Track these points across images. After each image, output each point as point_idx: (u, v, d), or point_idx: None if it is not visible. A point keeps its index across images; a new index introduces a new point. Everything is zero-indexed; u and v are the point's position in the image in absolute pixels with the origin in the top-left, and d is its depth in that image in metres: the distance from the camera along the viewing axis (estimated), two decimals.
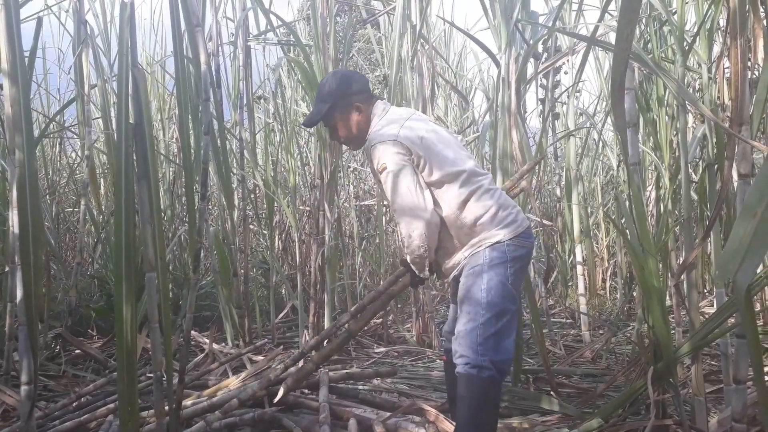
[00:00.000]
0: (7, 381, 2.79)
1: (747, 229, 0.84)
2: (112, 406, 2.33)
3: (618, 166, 5.06)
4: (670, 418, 2.11)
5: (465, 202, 2.04)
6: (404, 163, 2.03)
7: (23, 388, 1.91)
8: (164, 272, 1.71)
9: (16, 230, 1.92)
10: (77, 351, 3.49)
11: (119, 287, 1.57)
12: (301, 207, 5.25)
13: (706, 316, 4.29)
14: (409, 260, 2.13)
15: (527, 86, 3.52)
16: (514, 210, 2.11)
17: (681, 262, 2.19)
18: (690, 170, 4.03)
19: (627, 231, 1.99)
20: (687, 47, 2.16)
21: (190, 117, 2.23)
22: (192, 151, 2.38)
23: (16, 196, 1.90)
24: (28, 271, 1.85)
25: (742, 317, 1.33)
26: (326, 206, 3.61)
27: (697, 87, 4.50)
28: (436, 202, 2.07)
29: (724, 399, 2.17)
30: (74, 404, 2.49)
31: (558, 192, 5.03)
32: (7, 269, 2.70)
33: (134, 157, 1.64)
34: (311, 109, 2.24)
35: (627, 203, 3.08)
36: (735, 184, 1.92)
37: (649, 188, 4.59)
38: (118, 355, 1.59)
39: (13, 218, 2.14)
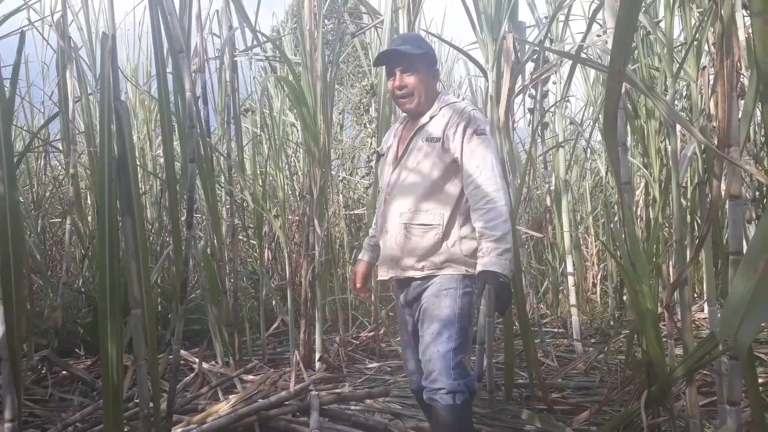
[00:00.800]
0: None
1: (748, 284, 0.82)
2: None
3: (606, 173, 5.07)
4: None
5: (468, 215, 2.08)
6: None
7: (7, 426, 1.86)
8: (150, 309, 1.67)
9: None
10: (64, 372, 3.43)
11: (104, 325, 1.53)
12: (290, 217, 5.22)
13: (697, 323, 4.32)
14: (504, 247, 1.96)
15: (516, 97, 3.52)
16: None
17: (672, 281, 2.18)
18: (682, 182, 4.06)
19: (619, 253, 1.98)
20: (676, 67, 2.15)
21: (176, 141, 2.20)
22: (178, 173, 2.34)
23: None
24: (10, 305, 1.81)
25: (745, 374, 1.31)
26: (316, 222, 3.58)
27: (684, 93, 4.53)
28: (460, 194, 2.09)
29: (718, 416, 2.16)
30: None
31: (548, 201, 5.03)
32: None
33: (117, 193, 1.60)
34: (393, 46, 2.18)
35: (618, 224, 3.09)
36: (728, 205, 1.91)
37: (638, 192, 4.61)
38: (104, 393, 1.56)
39: None
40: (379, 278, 2.26)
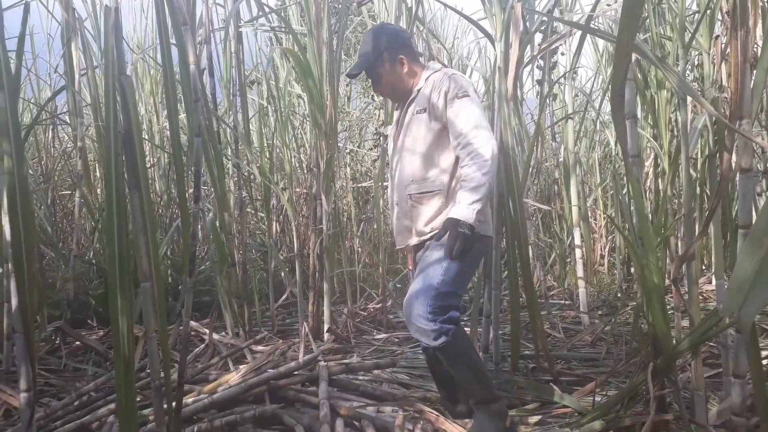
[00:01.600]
0: (8, 379, 2.79)
1: (753, 260, 0.82)
2: (113, 406, 2.33)
3: (616, 144, 5.01)
4: (670, 411, 2.13)
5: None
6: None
7: (22, 396, 1.91)
8: (159, 282, 1.69)
9: (8, 237, 1.89)
10: (77, 343, 3.50)
11: (114, 299, 1.55)
12: (297, 190, 5.22)
13: (704, 295, 4.32)
14: (477, 197, 2.05)
15: (524, 67, 3.46)
16: None
17: (680, 254, 2.17)
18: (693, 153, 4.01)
19: (626, 226, 1.97)
20: (688, 37, 2.11)
21: (181, 109, 2.19)
22: (184, 150, 2.34)
23: (6, 203, 1.87)
24: (22, 279, 1.84)
25: (747, 352, 1.31)
26: (323, 195, 3.58)
27: (696, 63, 4.44)
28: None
29: (723, 388, 2.18)
30: (75, 403, 2.49)
31: (556, 174, 5.00)
32: (1, 270, 2.69)
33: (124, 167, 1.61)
34: (355, 60, 2.35)
35: (626, 199, 3.06)
36: (738, 178, 1.89)
37: (647, 163, 4.56)
38: (116, 366, 1.58)
39: (5, 223, 2.12)
40: (397, 248, 2.45)
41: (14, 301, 1.90)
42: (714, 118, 2.20)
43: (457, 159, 2.18)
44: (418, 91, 2.27)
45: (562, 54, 4.06)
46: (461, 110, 2.12)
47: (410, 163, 2.25)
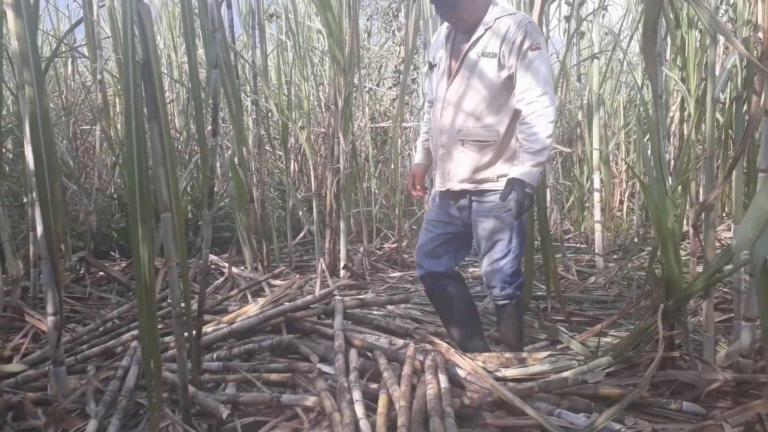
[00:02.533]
0: (35, 305, 2.91)
1: None
2: (136, 332, 2.43)
3: (642, 86, 4.88)
4: (678, 350, 2.16)
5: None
6: None
7: (49, 319, 1.99)
8: (179, 212, 1.72)
9: (32, 166, 1.93)
10: (101, 273, 3.61)
11: (135, 231, 1.59)
12: (315, 129, 5.20)
13: (723, 242, 4.29)
14: (540, 160, 2.05)
15: (551, 3, 3.35)
16: None
17: (701, 199, 2.15)
18: (719, 93, 3.89)
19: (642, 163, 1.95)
20: None
21: (200, 44, 2.17)
22: (202, 81, 2.33)
23: (28, 132, 1.89)
24: (46, 207, 1.88)
25: (758, 288, 1.31)
26: (340, 134, 3.56)
27: (731, 1, 4.25)
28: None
29: (734, 332, 2.20)
30: (100, 329, 2.60)
31: (579, 116, 4.90)
32: (26, 200, 2.76)
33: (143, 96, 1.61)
34: None
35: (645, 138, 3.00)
36: (762, 121, 1.84)
37: (673, 107, 4.45)
38: (138, 292, 1.64)
39: (28, 153, 2.15)
40: (437, 189, 2.33)
41: (39, 229, 1.95)
42: (744, 59, 2.13)
43: (516, 113, 2.11)
44: (486, 30, 2.12)
45: None
46: (532, 64, 2.05)
47: (468, 106, 2.16)
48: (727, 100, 3.18)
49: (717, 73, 2.07)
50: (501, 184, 2.12)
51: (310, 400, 1.88)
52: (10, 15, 1.85)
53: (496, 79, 2.11)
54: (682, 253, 3.18)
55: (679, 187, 2.65)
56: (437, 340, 2.29)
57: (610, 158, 4.87)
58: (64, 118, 5.21)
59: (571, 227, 5.22)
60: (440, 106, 2.23)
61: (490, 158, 2.16)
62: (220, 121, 4.30)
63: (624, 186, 5.77)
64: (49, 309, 1.98)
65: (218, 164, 4.62)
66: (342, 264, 3.77)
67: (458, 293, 2.35)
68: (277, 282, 3.43)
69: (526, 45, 2.05)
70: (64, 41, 4.67)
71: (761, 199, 0.80)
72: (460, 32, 2.21)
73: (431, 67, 2.35)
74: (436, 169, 2.31)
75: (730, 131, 2.86)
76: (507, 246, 2.19)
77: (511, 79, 2.10)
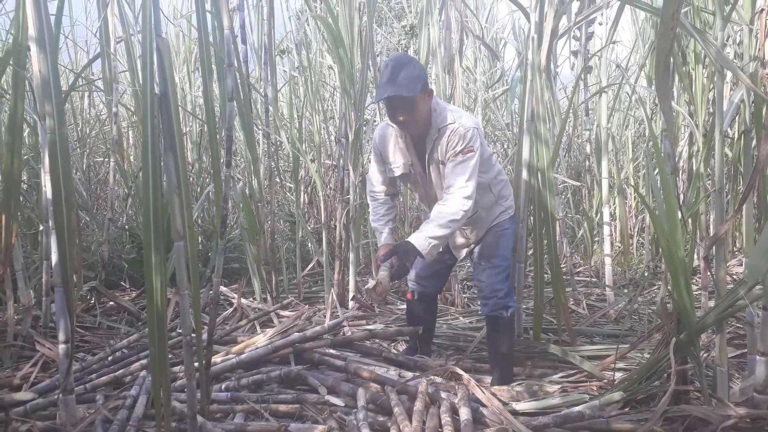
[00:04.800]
0: (45, 333, 2.92)
1: None
2: (144, 361, 2.43)
3: (651, 119, 4.91)
4: (691, 385, 2.13)
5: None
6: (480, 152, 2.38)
7: (61, 347, 2.00)
8: (192, 241, 1.74)
9: (49, 194, 1.96)
10: (111, 303, 3.62)
11: (149, 259, 1.61)
12: (326, 161, 5.25)
13: (734, 277, 4.25)
14: (439, 235, 2.30)
15: (559, 39, 3.40)
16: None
17: (712, 233, 2.15)
18: (728, 128, 3.91)
19: (652, 195, 1.95)
20: (728, 9, 2.05)
21: (215, 79, 2.22)
22: (217, 114, 2.38)
23: (47, 162, 1.93)
24: (62, 235, 1.91)
25: None
26: (350, 166, 3.60)
27: (737, 40, 4.30)
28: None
29: (748, 367, 2.17)
30: (109, 358, 2.60)
31: (588, 149, 4.93)
32: (41, 228, 2.79)
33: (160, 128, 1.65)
34: (389, 84, 2.28)
35: (654, 171, 3.00)
36: None
37: (682, 143, 4.47)
38: (149, 321, 1.65)
39: (46, 182, 2.19)
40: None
41: (54, 257, 1.98)
42: (752, 94, 2.15)
43: (489, 183, 2.51)
44: (434, 141, 2.39)
45: (600, 24, 3.96)
46: (460, 165, 2.31)
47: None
48: (736, 134, 3.20)
49: (725, 108, 2.09)
50: (503, 215, 2.57)
51: (319, 430, 1.86)
52: (33, 48, 1.91)
53: None
54: (694, 287, 3.16)
55: (689, 222, 2.66)
56: (459, 371, 2.27)
57: (616, 192, 4.88)
58: (78, 150, 5.30)
59: (581, 260, 5.19)
60: (426, 202, 2.61)
61: (483, 218, 2.55)
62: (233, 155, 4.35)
63: (634, 220, 5.75)
64: (61, 336, 1.99)
65: (230, 197, 4.67)
66: (351, 295, 3.77)
67: (432, 311, 2.86)
68: (286, 313, 3.42)
69: (459, 148, 2.31)
70: (82, 75, 4.79)
71: None
72: (410, 135, 2.45)
73: (382, 162, 2.59)
74: (450, 244, 2.67)
75: (739, 165, 2.87)
76: (502, 262, 2.53)
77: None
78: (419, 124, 2.37)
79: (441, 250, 2.51)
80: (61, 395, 2.00)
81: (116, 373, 2.39)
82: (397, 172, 2.55)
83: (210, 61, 1.83)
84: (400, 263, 2.35)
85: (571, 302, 3.76)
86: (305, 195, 5.53)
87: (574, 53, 4.15)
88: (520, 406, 2.11)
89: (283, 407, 2.11)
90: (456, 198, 2.29)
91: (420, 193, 2.64)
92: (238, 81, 2.38)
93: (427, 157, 2.42)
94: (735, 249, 4.89)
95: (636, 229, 5.71)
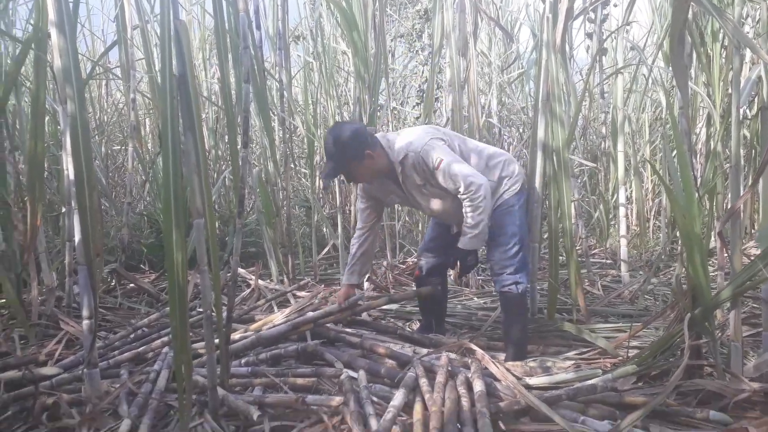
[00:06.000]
0: (69, 313, 3.00)
1: None
2: (166, 338, 2.49)
3: (668, 97, 4.87)
4: (705, 360, 2.14)
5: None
6: (451, 150, 2.49)
7: (85, 323, 2.05)
8: (211, 219, 1.78)
9: (72, 176, 2.01)
10: (132, 285, 3.70)
11: (169, 236, 1.65)
12: None
13: (751, 258, 4.22)
14: (477, 219, 2.44)
15: (574, 20, 3.38)
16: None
17: (728, 207, 2.15)
18: (746, 110, 3.87)
19: (669, 177, 1.96)
20: None
21: (230, 62, 2.26)
22: (233, 96, 2.42)
23: (69, 144, 1.98)
24: (85, 214, 1.96)
25: None
26: None
27: (757, 17, 4.24)
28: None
29: (762, 345, 2.17)
30: (131, 336, 2.67)
31: (604, 131, 4.90)
32: (64, 210, 2.86)
33: (179, 109, 1.68)
34: (328, 161, 2.49)
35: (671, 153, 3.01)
36: None
37: (700, 125, 4.43)
38: (170, 294, 1.70)
39: (68, 164, 2.25)
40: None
41: (77, 236, 2.03)
42: None
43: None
44: (401, 173, 2.53)
45: (615, 5, 3.93)
46: (445, 174, 2.43)
47: (444, 210, 2.60)
48: (753, 117, 3.17)
49: (741, 84, 2.08)
50: (506, 194, 2.59)
51: (335, 400, 1.90)
52: (53, 33, 1.96)
53: (444, 190, 2.50)
54: (711, 269, 3.15)
55: (707, 202, 2.64)
56: (473, 346, 2.31)
57: (639, 173, 4.85)
58: (97, 137, 5.38)
59: (597, 242, 5.18)
60: (432, 214, 2.70)
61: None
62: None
63: (651, 203, 5.72)
64: (85, 313, 2.05)
65: (248, 179, 4.71)
66: (366, 276, 3.80)
67: (442, 286, 2.89)
68: (303, 293, 3.47)
69: (431, 166, 2.44)
70: (99, 63, 4.85)
71: None
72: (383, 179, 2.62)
73: (370, 197, 2.75)
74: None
75: (756, 145, 2.85)
76: (510, 239, 2.55)
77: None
78: (379, 172, 2.55)
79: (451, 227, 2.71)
80: (85, 369, 2.06)
81: (138, 350, 2.45)
82: (390, 203, 2.80)
83: (226, 42, 1.86)
84: (463, 263, 2.53)
85: (586, 283, 3.76)
86: (320, 180, 5.57)
87: (589, 35, 4.12)
88: (534, 380, 2.14)
89: (300, 381, 2.16)
90: (470, 195, 2.41)
91: (423, 208, 2.71)
92: (254, 65, 2.41)
93: (404, 188, 2.59)
94: (753, 231, 4.85)
95: (653, 213, 5.68)
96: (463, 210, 2.46)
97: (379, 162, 2.52)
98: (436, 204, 2.60)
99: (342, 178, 3.12)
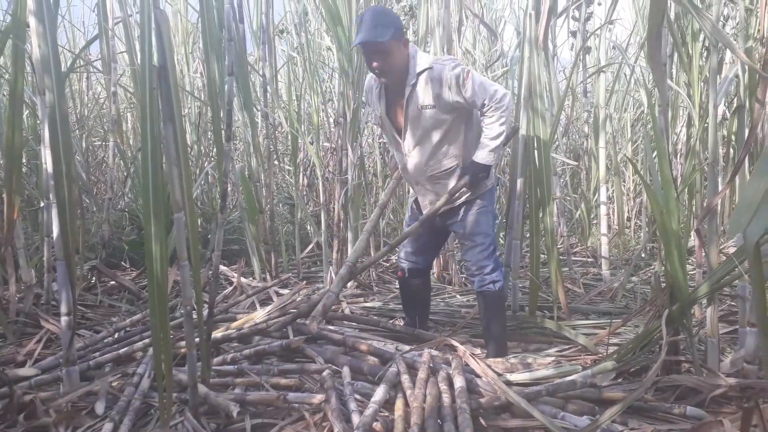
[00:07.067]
0: (48, 310, 2.95)
1: (761, 184, 0.84)
2: (148, 340, 2.45)
3: (650, 96, 4.92)
4: (683, 356, 2.16)
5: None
6: None
7: (63, 319, 2.03)
8: (192, 212, 1.76)
9: (50, 168, 1.98)
10: (112, 282, 3.65)
11: (148, 228, 1.63)
12: (325, 144, 5.27)
13: (728, 256, 4.28)
14: (500, 130, 2.40)
15: (557, 19, 3.40)
16: None
17: (705, 205, 2.18)
18: (725, 110, 3.92)
19: (649, 176, 1.98)
20: None
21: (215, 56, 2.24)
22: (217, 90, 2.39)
23: (47, 135, 1.95)
24: (64, 209, 1.93)
25: (751, 269, 1.34)
26: (349, 146, 3.62)
27: (737, 18, 4.30)
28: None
29: (739, 340, 2.20)
30: (115, 336, 2.63)
31: (586, 129, 4.94)
32: (42, 204, 2.82)
33: (159, 100, 1.66)
34: (363, 32, 2.34)
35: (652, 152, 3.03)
36: (766, 128, 1.87)
37: (680, 126, 4.48)
38: (150, 290, 1.68)
39: (46, 156, 2.21)
40: (425, 212, 2.62)
41: (56, 230, 2.00)
42: (747, 69, 2.17)
43: (465, 130, 2.49)
44: (413, 85, 2.40)
45: (599, 4, 3.96)
46: (474, 83, 2.36)
47: (424, 150, 2.50)
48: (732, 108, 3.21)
49: (718, 82, 2.11)
50: (474, 195, 2.54)
51: (317, 398, 1.90)
52: (32, 22, 1.92)
53: (441, 122, 2.43)
54: (690, 267, 3.19)
55: (687, 201, 2.68)
56: (455, 343, 2.31)
57: (620, 173, 4.90)
58: (77, 132, 5.30)
59: (578, 241, 5.23)
60: (401, 157, 2.58)
61: (457, 177, 2.52)
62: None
63: (632, 203, 5.78)
64: (63, 309, 2.02)
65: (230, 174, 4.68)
66: None
67: (425, 287, 2.89)
68: (285, 291, 3.46)
69: (458, 80, 2.35)
70: (80, 56, 4.78)
71: (753, 183, 0.83)
72: (390, 85, 2.47)
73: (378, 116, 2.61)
74: (418, 196, 2.68)
75: (733, 143, 2.89)
76: (484, 240, 2.56)
77: (455, 110, 2.42)
78: (395, 72, 2.41)
79: (427, 225, 2.63)
80: (63, 367, 2.03)
81: (119, 352, 2.41)
82: (375, 122, 2.69)
83: (213, 33, 1.84)
84: (473, 180, 2.48)
85: (568, 282, 3.79)
86: (304, 178, 5.55)
87: (573, 33, 4.15)
88: (514, 377, 2.15)
89: (283, 380, 2.14)
90: (495, 103, 2.36)
91: (401, 146, 2.56)
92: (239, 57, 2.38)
93: (404, 102, 2.44)
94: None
95: (634, 212, 5.74)
96: (485, 123, 2.41)
97: (402, 60, 2.40)
98: (419, 138, 2.48)
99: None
